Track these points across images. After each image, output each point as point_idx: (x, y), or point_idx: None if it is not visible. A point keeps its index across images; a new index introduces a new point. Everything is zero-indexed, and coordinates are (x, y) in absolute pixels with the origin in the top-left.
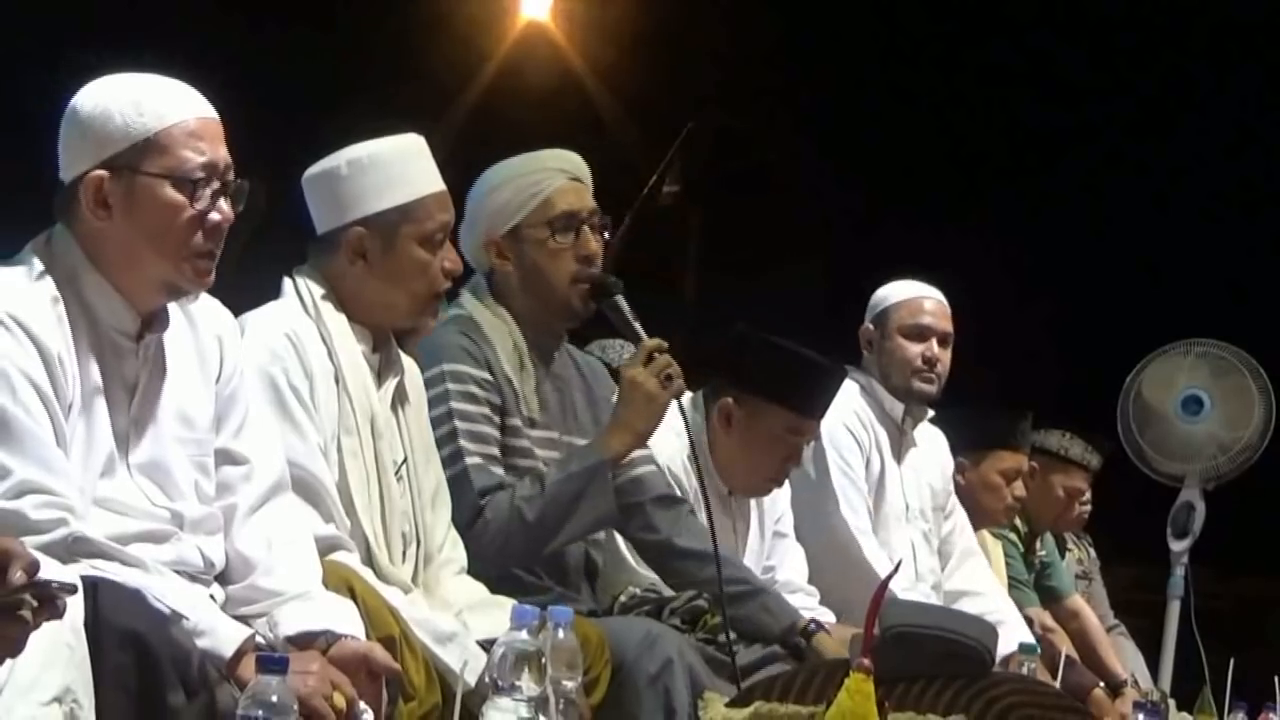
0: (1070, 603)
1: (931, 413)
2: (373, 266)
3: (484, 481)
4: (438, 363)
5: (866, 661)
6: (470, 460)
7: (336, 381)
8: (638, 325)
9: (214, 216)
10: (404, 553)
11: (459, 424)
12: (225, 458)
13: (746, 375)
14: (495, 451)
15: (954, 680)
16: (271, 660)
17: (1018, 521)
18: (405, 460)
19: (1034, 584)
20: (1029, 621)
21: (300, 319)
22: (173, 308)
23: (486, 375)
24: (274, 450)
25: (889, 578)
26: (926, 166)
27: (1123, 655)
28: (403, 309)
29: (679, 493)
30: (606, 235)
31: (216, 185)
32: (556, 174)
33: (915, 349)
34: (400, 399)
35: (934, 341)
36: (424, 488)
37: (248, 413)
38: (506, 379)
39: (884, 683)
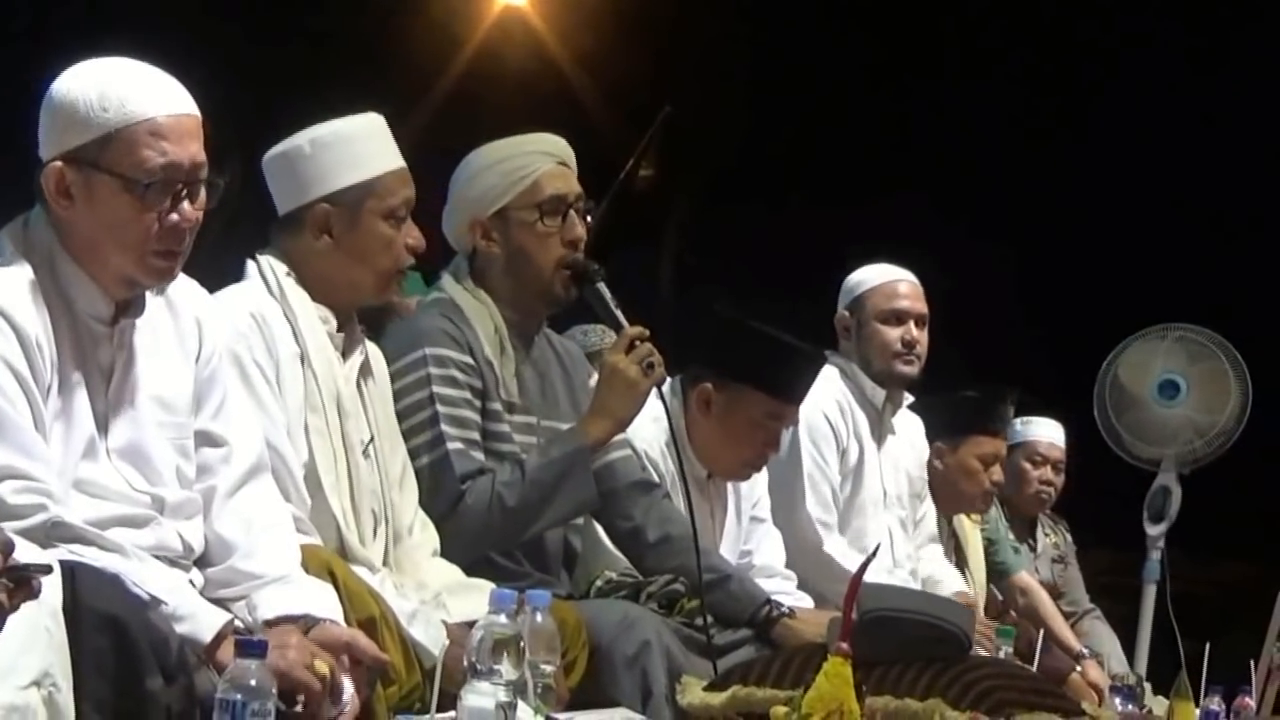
0: (1018, 579)
1: (910, 399)
2: (338, 243)
3: (465, 466)
4: (419, 346)
5: (845, 645)
6: (452, 445)
7: (302, 361)
8: (619, 312)
9: (172, 218)
10: (374, 531)
11: (441, 408)
12: (204, 439)
13: (725, 360)
14: (476, 436)
15: (931, 664)
16: (250, 644)
17: None
18: (372, 439)
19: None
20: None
21: (265, 300)
22: (149, 291)
23: (468, 359)
24: (252, 431)
25: (867, 562)
26: (908, 152)
27: (1098, 638)
28: (368, 286)
29: (654, 478)
30: (589, 220)
31: (178, 186)
32: (544, 157)
33: (894, 333)
34: (365, 378)
35: (911, 324)
36: (391, 467)
37: (226, 394)
38: (488, 362)
39: (862, 666)
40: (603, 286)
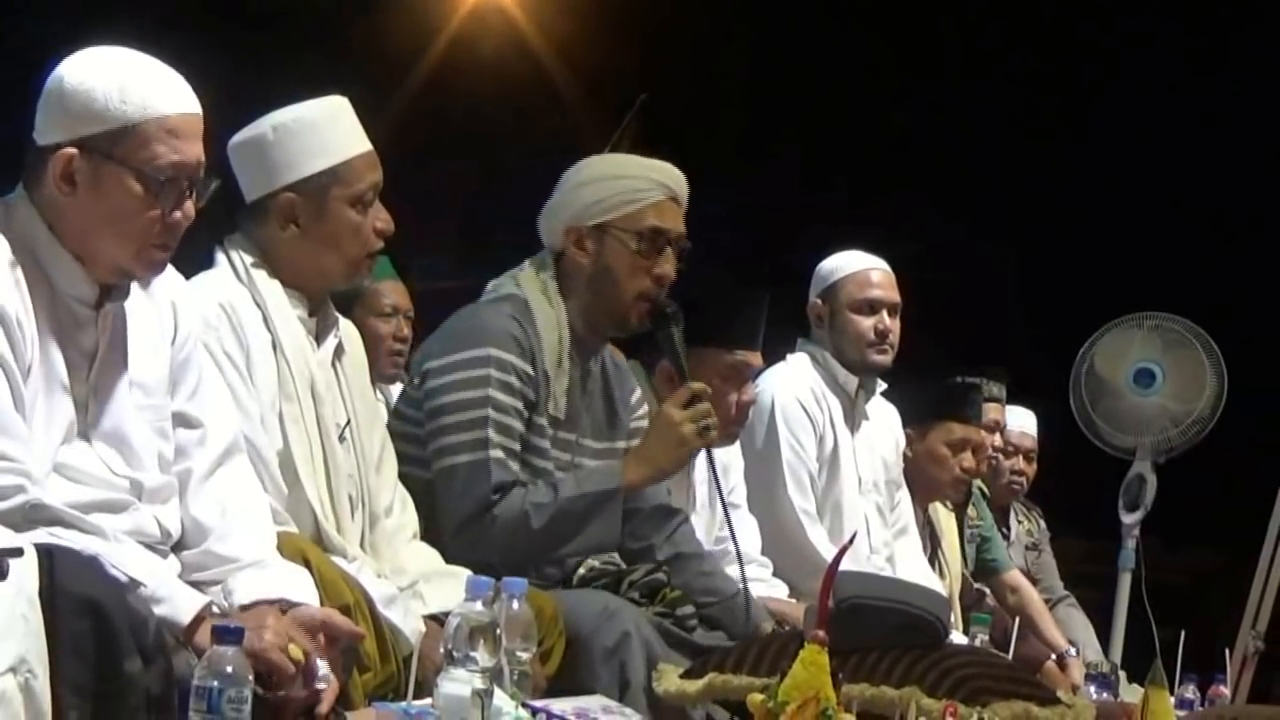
0: (1008, 577)
1: (883, 385)
2: (305, 231)
3: (501, 476)
4: (485, 345)
5: (821, 633)
6: (493, 452)
7: (274, 349)
8: (685, 363)
9: (175, 215)
10: (352, 515)
11: (492, 412)
12: (179, 421)
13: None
14: (517, 447)
15: (908, 652)
16: (227, 630)
17: None
18: (348, 422)
19: (974, 557)
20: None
21: (234, 288)
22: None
23: (529, 369)
24: (227, 413)
25: (844, 549)
26: (908, 152)
27: (1073, 626)
28: (337, 272)
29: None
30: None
31: (184, 185)
32: (660, 188)
33: (867, 322)
34: (340, 361)
35: (884, 313)
36: (368, 449)
37: (201, 376)
38: (545, 375)
39: (838, 654)
40: (677, 331)
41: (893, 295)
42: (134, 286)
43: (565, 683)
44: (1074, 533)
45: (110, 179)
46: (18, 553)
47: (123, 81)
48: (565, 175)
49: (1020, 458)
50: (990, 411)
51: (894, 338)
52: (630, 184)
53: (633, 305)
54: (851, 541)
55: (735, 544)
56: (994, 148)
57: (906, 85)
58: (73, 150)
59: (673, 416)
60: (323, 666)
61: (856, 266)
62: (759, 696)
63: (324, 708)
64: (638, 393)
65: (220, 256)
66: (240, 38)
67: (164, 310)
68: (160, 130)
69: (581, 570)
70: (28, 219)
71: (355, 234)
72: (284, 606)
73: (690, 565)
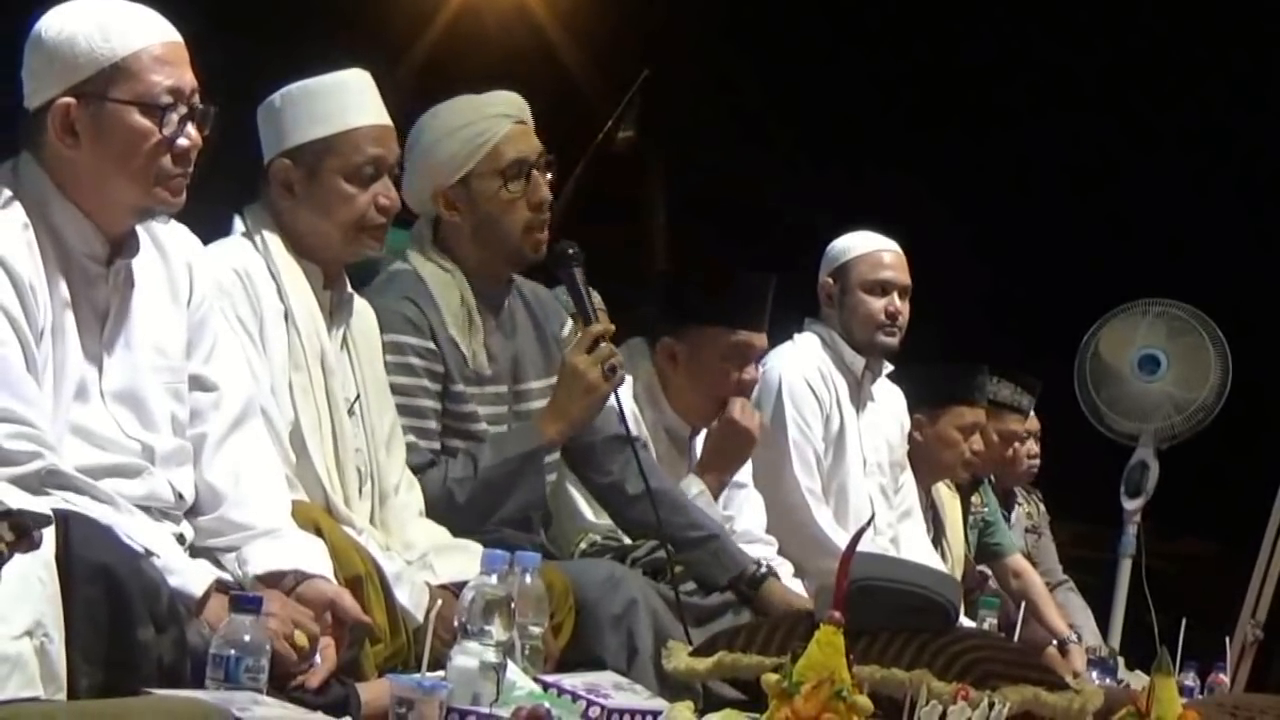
0: (1012, 561)
1: (890, 367)
2: (299, 199)
3: (415, 460)
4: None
5: (837, 614)
6: (404, 438)
7: (286, 319)
8: (589, 302)
9: (182, 142)
10: (360, 490)
11: (395, 398)
12: (195, 384)
13: (676, 308)
14: (431, 425)
15: (917, 634)
16: (245, 599)
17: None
18: (358, 398)
19: (976, 542)
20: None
21: (250, 256)
22: (142, 236)
23: (429, 344)
24: (242, 376)
25: (861, 530)
26: (900, 131)
27: (1071, 610)
28: (334, 239)
29: (632, 431)
30: (551, 175)
31: (184, 110)
32: (502, 120)
33: (878, 303)
34: (352, 336)
35: (895, 295)
36: (377, 427)
37: (217, 339)
38: (451, 342)
39: (847, 635)
40: (578, 272)
41: (904, 277)
42: (149, 248)
43: (573, 653)
44: (1069, 518)
45: (111, 119)
46: (47, 520)
47: (102, 23)
48: (410, 140)
49: (1031, 441)
50: (1011, 422)
51: (903, 320)
52: (474, 129)
53: (522, 240)
54: (870, 523)
55: (651, 495)
56: (999, 134)
57: (910, 68)
58: (69, 100)
59: (577, 365)
60: (327, 647)
61: (869, 247)
62: (774, 676)
63: (314, 681)
64: (569, 324)
65: (238, 225)
66: (245, 9)
67: (180, 272)
68: (150, 60)
69: (583, 545)
70: (35, 180)
71: (346, 203)
72: (297, 578)
73: (667, 500)
